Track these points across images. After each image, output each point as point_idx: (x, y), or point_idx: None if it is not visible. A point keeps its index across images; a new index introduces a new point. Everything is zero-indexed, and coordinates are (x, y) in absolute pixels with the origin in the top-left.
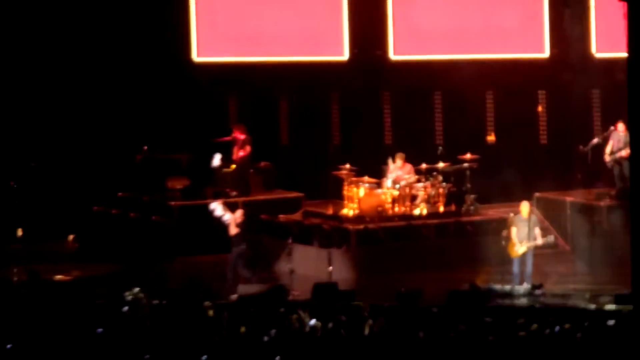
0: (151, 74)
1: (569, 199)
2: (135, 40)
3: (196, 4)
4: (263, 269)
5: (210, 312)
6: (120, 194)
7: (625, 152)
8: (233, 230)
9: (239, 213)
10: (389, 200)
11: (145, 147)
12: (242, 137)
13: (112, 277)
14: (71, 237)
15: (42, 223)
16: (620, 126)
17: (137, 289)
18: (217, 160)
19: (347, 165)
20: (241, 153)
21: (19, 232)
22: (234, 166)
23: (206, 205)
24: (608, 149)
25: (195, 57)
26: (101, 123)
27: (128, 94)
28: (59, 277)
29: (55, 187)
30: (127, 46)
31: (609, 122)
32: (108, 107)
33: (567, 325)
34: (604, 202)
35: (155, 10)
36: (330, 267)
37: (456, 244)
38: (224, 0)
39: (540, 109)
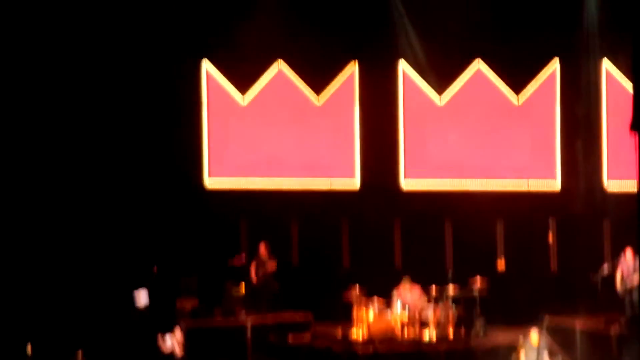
0: (163, 196)
1: (578, 325)
2: (147, 162)
3: (208, 128)
4: None
5: None
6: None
7: (635, 279)
8: (179, 353)
9: (178, 333)
10: (399, 324)
11: (155, 268)
12: (264, 255)
13: None
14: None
15: (51, 341)
16: (629, 253)
17: None
18: (143, 298)
19: (357, 286)
20: (262, 272)
21: (29, 350)
22: (243, 286)
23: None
24: (618, 277)
25: (207, 181)
26: (112, 242)
27: (141, 216)
28: None
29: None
30: (139, 168)
31: (619, 250)
32: (119, 227)
33: None
34: (614, 331)
35: (167, 135)
36: None
37: None
38: (238, 125)
39: (551, 237)
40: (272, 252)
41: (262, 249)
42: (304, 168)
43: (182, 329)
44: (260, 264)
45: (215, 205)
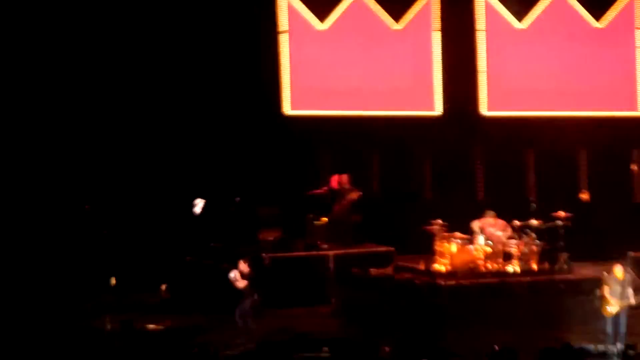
0: (244, 126)
1: None
2: (229, 93)
3: (290, 58)
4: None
5: None
6: (212, 244)
7: None
8: (241, 284)
9: (243, 265)
10: (482, 256)
11: (238, 199)
12: (346, 185)
13: (203, 327)
14: (164, 286)
15: (135, 272)
16: None
17: None
18: (198, 207)
19: (439, 221)
20: (345, 202)
21: (112, 281)
22: (325, 219)
23: (298, 258)
24: None
25: (288, 109)
26: (194, 174)
27: (221, 146)
28: (152, 326)
29: (148, 237)
30: (220, 99)
31: None
32: (201, 158)
33: None
34: None
35: (248, 64)
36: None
37: (549, 302)
38: (317, 55)
39: (634, 167)
40: (353, 183)
41: (344, 179)
42: (384, 98)
43: (265, 259)
44: (341, 195)
45: (296, 134)
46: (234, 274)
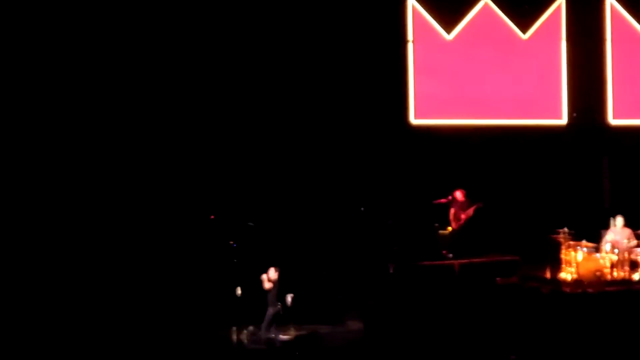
0: (370, 136)
1: None
2: (356, 103)
3: (415, 67)
4: None
5: None
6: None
7: None
8: (267, 285)
9: (272, 271)
10: (608, 265)
11: (362, 209)
12: (461, 200)
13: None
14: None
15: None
16: None
17: None
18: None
19: (565, 229)
20: (462, 216)
21: (239, 291)
22: (450, 228)
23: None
24: None
25: (413, 119)
26: (320, 185)
27: (347, 155)
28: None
29: (274, 246)
30: (347, 109)
31: None
32: (328, 168)
33: None
34: None
35: (374, 73)
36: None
37: None
38: (443, 64)
39: None
40: (475, 194)
41: (459, 194)
42: (510, 107)
43: (390, 268)
44: (458, 209)
45: (420, 144)
46: (264, 276)
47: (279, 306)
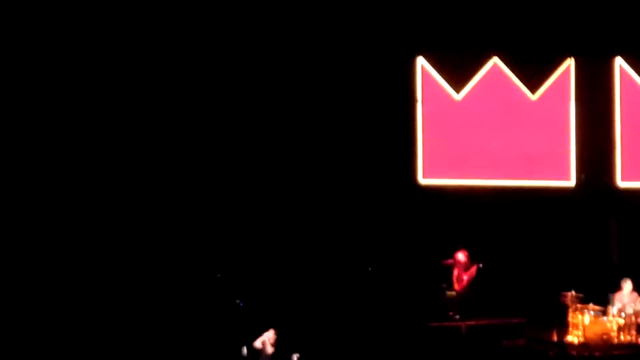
0: (378, 195)
1: None
2: (364, 161)
3: (424, 127)
4: None
5: None
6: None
7: None
8: (269, 349)
9: (272, 333)
10: (615, 328)
11: (370, 269)
12: (464, 260)
13: None
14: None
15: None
16: None
17: None
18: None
19: (572, 292)
20: (465, 277)
21: (244, 351)
22: (455, 290)
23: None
24: None
25: (422, 178)
26: (328, 244)
27: (355, 214)
28: None
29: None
30: (355, 168)
31: None
32: (336, 226)
33: None
34: None
35: (382, 132)
36: None
37: None
38: (452, 124)
39: None
40: (483, 254)
41: (462, 255)
42: (518, 168)
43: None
44: (461, 270)
45: (429, 204)
46: (262, 342)
47: None
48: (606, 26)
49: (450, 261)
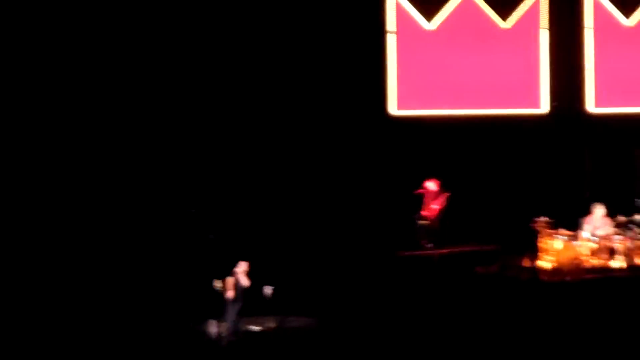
0: (349, 127)
1: None
2: (334, 94)
3: (397, 58)
4: None
5: None
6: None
7: None
8: (244, 282)
9: (244, 265)
10: (586, 253)
11: None
12: (434, 189)
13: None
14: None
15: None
16: None
17: None
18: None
19: (544, 218)
20: (435, 206)
21: (217, 284)
22: (427, 219)
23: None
24: None
25: (395, 110)
26: (300, 177)
27: (326, 146)
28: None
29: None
30: (324, 100)
31: None
32: (308, 160)
33: None
34: None
35: (355, 65)
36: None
37: None
38: (424, 55)
39: None
40: (456, 184)
41: (432, 184)
42: (490, 97)
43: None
44: (431, 199)
45: (401, 135)
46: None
47: (240, 302)
48: None
49: (421, 191)
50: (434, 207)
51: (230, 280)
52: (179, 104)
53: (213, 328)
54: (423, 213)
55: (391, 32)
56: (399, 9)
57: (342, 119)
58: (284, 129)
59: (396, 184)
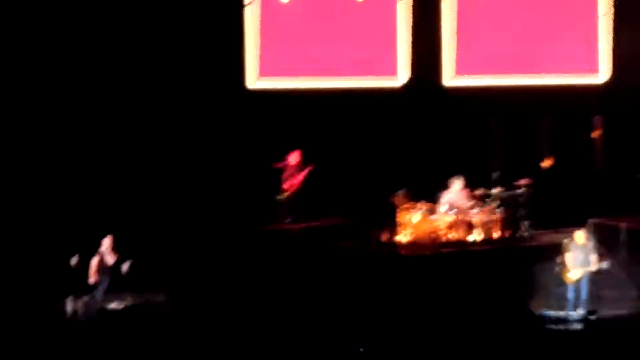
0: (208, 100)
1: (624, 225)
2: (192, 68)
3: (250, 29)
4: None
5: None
6: None
7: None
8: (109, 259)
9: (108, 242)
10: (444, 226)
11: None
12: (294, 164)
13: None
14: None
15: None
16: None
17: None
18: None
19: (401, 191)
20: (295, 180)
21: (74, 260)
22: (286, 194)
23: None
24: None
25: (252, 83)
26: (159, 151)
27: (182, 120)
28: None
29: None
30: (183, 74)
31: None
32: (165, 133)
33: None
34: None
35: (210, 38)
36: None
37: (511, 270)
38: (281, 28)
39: (596, 134)
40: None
41: (293, 157)
42: (348, 69)
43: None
44: (292, 173)
45: (259, 108)
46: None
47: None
48: None
49: (282, 164)
50: (294, 181)
51: (94, 261)
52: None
53: (71, 305)
54: (283, 187)
55: (246, 5)
56: None
57: (202, 93)
58: (141, 104)
59: (255, 158)
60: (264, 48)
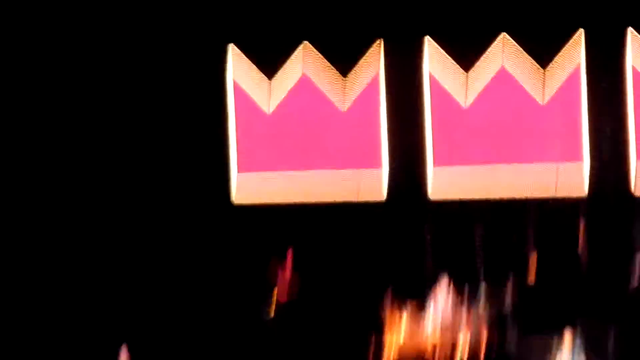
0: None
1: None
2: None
3: (237, 142)
4: None
5: None
6: None
7: None
8: None
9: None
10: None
11: None
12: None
13: None
14: None
15: None
16: None
17: None
18: None
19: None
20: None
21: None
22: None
23: None
24: None
25: (236, 197)
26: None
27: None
28: None
29: None
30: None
31: None
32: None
33: None
34: None
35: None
36: None
37: None
38: (263, 139)
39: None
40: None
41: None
42: (328, 183)
43: None
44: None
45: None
46: None
47: None
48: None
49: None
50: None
51: None
52: None
53: None
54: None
55: (230, 116)
56: (238, 91)
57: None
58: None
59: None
60: (244, 160)
